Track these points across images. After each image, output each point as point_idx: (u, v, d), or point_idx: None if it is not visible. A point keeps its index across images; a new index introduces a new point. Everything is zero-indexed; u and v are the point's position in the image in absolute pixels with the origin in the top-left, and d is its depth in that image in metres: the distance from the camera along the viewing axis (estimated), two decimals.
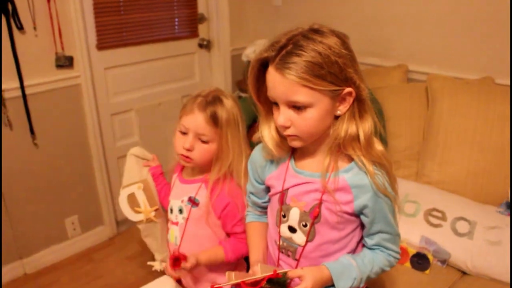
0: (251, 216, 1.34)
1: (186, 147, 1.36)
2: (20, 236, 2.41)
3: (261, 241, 1.27)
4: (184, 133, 1.37)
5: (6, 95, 2.17)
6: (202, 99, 1.37)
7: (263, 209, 1.30)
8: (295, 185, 1.11)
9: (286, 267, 1.19)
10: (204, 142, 1.36)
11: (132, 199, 1.64)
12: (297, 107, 0.98)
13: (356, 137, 1.02)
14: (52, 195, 2.48)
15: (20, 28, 2.14)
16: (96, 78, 2.51)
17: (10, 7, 2.10)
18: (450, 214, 1.71)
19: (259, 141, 1.19)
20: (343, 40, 0.99)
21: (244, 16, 3.02)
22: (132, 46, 2.63)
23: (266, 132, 1.11)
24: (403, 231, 1.21)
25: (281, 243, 1.19)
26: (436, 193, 1.84)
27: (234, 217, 1.40)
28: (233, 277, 1.07)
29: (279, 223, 1.17)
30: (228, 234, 1.47)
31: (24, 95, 2.22)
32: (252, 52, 2.74)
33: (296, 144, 1.05)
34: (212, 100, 1.36)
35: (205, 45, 2.93)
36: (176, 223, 1.48)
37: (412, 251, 1.66)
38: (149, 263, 1.76)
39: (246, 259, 1.47)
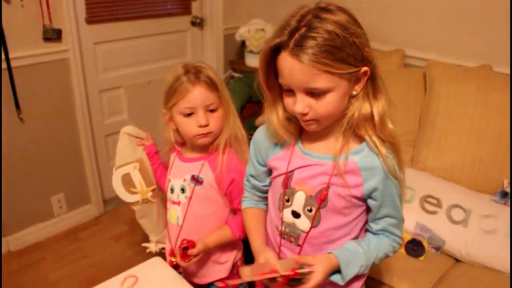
0: (248, 202, 1.29)
1: (203, 124, 1.32)
2: (5, 213, 2.35)
3: (261, 227, 1.24)
4: (189, 114, 1.33)
5: None
6: (187, 75, 1.32)
7: (262, 194, 1.26)
8: (301, 167, 1.08)
9: (288, 253, 1.16)
10: (213, 111, 1.34)
11: (127, 179, 1.59)
12: (316, 93, 0.94)
13: (370, 117, 0.99)
14: (38, 172, 2.42)
15: None
16: (85, 53, 2.43)
17: None
18: (445, 201, 1.71)
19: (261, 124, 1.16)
20: (353, 16, 0.95)
21: None
22: (123, 21, 2.55)
23: (274, 118, 1.07)
24: None
25: (283, 228, 1.15)
26: (432, 180, 1.83)
27: (241, 192, 1.36)
28: (249, 273, 1.02)
29: (281, 208, 1.14)
30: (234, 211, 1.45)
31: (9, 68, 2.14)
32: (246, 31, 2.68)
33: (314, 128, 1.02)
34: (197, 70, 1.33)
35: (198, 23, 2.86)
36: (178, 203, 1.44)
37: (407, 237, 1.66)
38: (144, 244, 1.72)
39: (244, 241, 1.45)
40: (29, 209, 2.44)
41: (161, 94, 1.40)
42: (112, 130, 2.66)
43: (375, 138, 1.00)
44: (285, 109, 1.05)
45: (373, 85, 0.98)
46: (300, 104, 0.96)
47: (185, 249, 1.36)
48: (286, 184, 1.11)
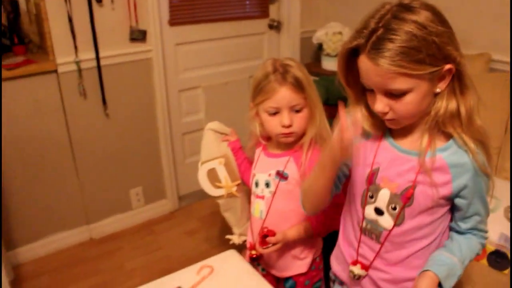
0: None
1: (286, 124, 1.34)
2: (88, 203, 2.51)
3: None
4: (274, 113, 1.35)
5: (83, 65, 2.25)
6: (275, 74, 1.34)
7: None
8: (387, 161, 1.06)
9: (367, 250, 1.14)
10: (298, 111, 1.35)
11: (212, 174, 1.64)
12: (395, 94, 0.93)
13: (457, 114, 0.96)
14: (119, 165, 2.56)
15: (99, 1, 2.20)
16: (167, 53, 2.54)
17: None
18: None
19: None
20: (438, 13, 0.92)
21: None
22: (203, 24, 2.65)
23: (359, 114, 1.06)
24: None
25: (364, 225, 1.13)
26: None
27: None
28: None
29: (364, 204, 1.12)
30: None
31: (99, 66, 2.29)
32: (323, 34, 2.67)
33: (395, 126, 1.01)
34: (284, 70, 1.33)
35: (275, 26, 2.89)
36: (262, 197, 1.46)
37: (490, 248, 1.56)
38: (227, 236, 1.76)
39: (326, 237, 1.45)
40: (109, 200, 2.59)
41: (249, 88, 1.43)
42: (189, 128, 2.76)
43: (463, 135, 0.97)
44: (368, 105, 1.03)
45: (459, 82, 0.95)
46: (379, 104, 0.96)
47: (265, 237, 1.39)
48: (370, 180, 1.09)
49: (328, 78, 2.53)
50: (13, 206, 2.28)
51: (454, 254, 1.04)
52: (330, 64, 2.70)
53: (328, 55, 2.70)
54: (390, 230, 1.08)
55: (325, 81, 2.48)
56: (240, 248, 1.59)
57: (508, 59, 2.16)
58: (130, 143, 2.56)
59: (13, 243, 2.34)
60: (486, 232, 1.10)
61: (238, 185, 1.64)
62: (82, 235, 2.55)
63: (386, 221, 1.08)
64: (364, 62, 0.92)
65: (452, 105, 0.96)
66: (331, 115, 2.77)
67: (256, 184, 1.49)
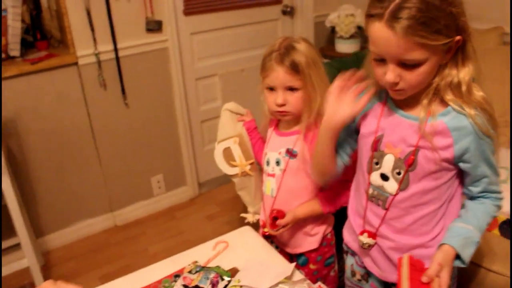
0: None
1: (279, 103, 1.37)
2: (111, 191, 2.60)
3: None
4: (272, 89, 1.39)
5: (102, 57, 2.33)
6: (276, 53, 1.37)
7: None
8: (389, 127, 1.08)
9: (373, 217, 1.17)
10: (293, 91, 1.37)
11: (227, 153, 1.68)
12: (408, 64, 0.93)
13: (456, 84, 0.98)
14: (140, 154, 2.64)
15: None
16: (183, 42, 2.60)
17: None
18: None
19: None
20: None
21: None
22: (218, 12, 2.69)
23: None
24: None
25: (371, 191, 1.15)
26: None
27: None
28: None
29: (370, 170, 1.14)
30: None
31: (117, 57, 2.36)
32: (336, 17, 2.68)
33: (401, 96, 1.02)
34: (285, 50, 1.36)
35: (289, 12, 2.91)
36: (273, 175, 1.50)
37: (502, 218, 1.57)
38: (242, 214, 1.80)
39: (337, 213, 1.47)
40: (132, 187, 2.67)
41: None
42: (207, 116, 2.81)
43: (460, 102, 0.99)
44: None
45: (463, 52, 0.97)
46: (391, 74, 0.95)
47: (275, 219, 1.43)
48: (375, 147, 1.11)
49: (341, 59, 2.54)
50: (40, 195, 2.38)
51: (469, 223, 1.06)
52: (343, 47, 2.71)
53: (341, 37, 2.72)
54: (395, 195, 1.10)
55: (338, 63, 2.50)
56: (256, 227, 1.63)
57: None
58: (150, 131, 2.63)
59: (42, 231, 2.45)
60: (499, 192, 1.10)
61: (252, 164, 1.68)
62: (107, 222, 2.64)
63: (391, 186, 1.10)
64: (381, 30, 0.91)
65: (453, 75, 0.98)
66: None
67: (268, 163, 1.52)
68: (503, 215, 1.58)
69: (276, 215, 1.43)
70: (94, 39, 2.28)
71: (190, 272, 1.21)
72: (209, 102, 2.83)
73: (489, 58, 2.04)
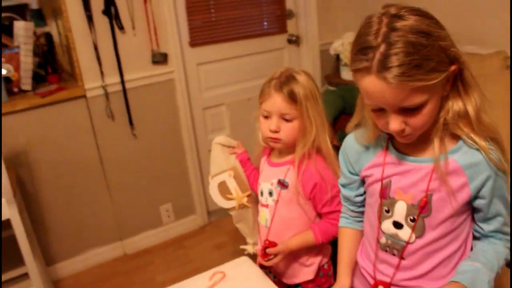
0: (345, 220, 1.26)
1: (272, 129, 1.39)
2: (121, 220, 2.64)
3: (352, 253, 1.23)
4: (267, 117, 1.41)
5: (109, 89, 2.41)
6: (276, 81, 1.40)
7: (357, 209, 1.22)
8: (399, 174, 1.03)
9: (385, 267, 1.11)
10: (288, 121, 1.38)
11: (223, 187, 1.68)
12: (411, 109, 0.88)
13: (464, 114, 0.93)
14: (148, 183, 2.68)
15: (121, 28, 2.36)
16: (189, 73, 2.66)
17: (113, 10, 2.32)
18: None
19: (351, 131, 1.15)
20: (431, 16, 0.89)
21: (332, 9, 2.99)
22: (223, 43, 2.75)
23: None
24: None
25: (384, 241, 1.09)
26: None
27: (323, 197, 1.39)
28: None
29: (379, 219, 1.09)
30: (319, 215, 1.47)
31: (124, 89, 2.44)
32: (340, 45, 2.70)
33: (410, 140, 0.96)
34: (286, 79, 1.38)
35: (294, 41, 2.96)
36: (267, 206, 1.51)
37: None
38: (242, 246, 1.80)
39: (333, 242, 1.45)
40: (141, 217, 2.71)
41: None
42: None
43: (472, 135, 0.94)
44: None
45: (462, 81, 0.93)
46: (395, 123, 0.90)
47: (266, 249, 1.43)
48: (384, 194, 1.06)
49: (346, 87, 2.55)
50: (51, 224, 2.44)
51: (477, 260, 0.98)
52: (348, 74, 2.72)
53: (345, 65, 2.73)
54: (408, 243, 1.04)
55: (342, 91, 2.51)
56: (256, 257, 1.62)
57: None
58: (158, 161, 2.68)
59: (53, 259, 2.50)
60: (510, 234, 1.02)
61: (248, 195, 1.68)
62: (117, 251, 2.67)
63: (406, 234, 1.04)
64: (372, 83, 0.86)
65: (459, 105, 0.93)
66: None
67: (261, 193, 1.53)
68: None
69: (268, 245, 1.43)
70: (102, 72, 2.37)
71: None
72: (217, 131, 2.86)
73: (492, 83, 2.01)
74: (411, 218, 1.02)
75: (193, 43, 2.64)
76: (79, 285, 2.49)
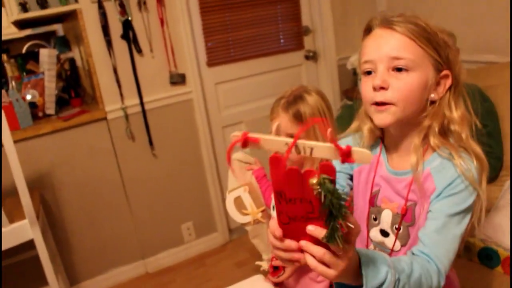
0: None
1: None
2: (142, 239, 2.67)
3: None
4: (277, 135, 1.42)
5: (129, 111, 2.46)
6: (284, 100, 1.41)
7: None
8: (385, 182, 1.05)
9: None
10: None
11: (238, 202, 1.71)
12: (398, 69, 0.93)
13: (447, 127, 0.98)
14: (169, 202, 2.71)
15: (139, 51, 2.42)
16: (207, 93, 2.70)
17: (131, 34, 2.39)
18: None
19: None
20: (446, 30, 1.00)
21: (349, 24, 2.98)
22: (241, 62, 2.78)
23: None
24: None
25: (372, 248, 1.11)
26: None
27: None
28: None
29: (368, 227, 1.11)
30: None
31: (143, 111, 2.49)
32: (356, 59, 2.68)
33: (387, 118, 0.95)
34: (293, 99, 1.40)
35: (312, 57, 2.96)
36: None
37: (479, 245, 1.45)
38: (257, 263, 1.81)
39: None
40: (162, 235, 2.73)
41: None
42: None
43: (448, 146, 0.96)
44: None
45: (454, 95, 0.97)
46: (379, 78, 0.93)
47: (275, 268, 1.42)
48: (372, 202, 1.09)
49: (361, 101, 2.53)
50: (74, 244, 2.49)
51: (388, 257, 0.83)
52: None
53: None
54: (397, 251, 1.05)
55: (358, 105, 2.49)
56: None
57: None
58: (178, 180, 2.71)
59: (77, 278, 2.54)
60: (444, 272, 0.89)
61: (263, 211, 1.69)
62: (139, 269, 2.70)
63: (392, 242, 1.05)
64: (376, 33, 0.97)
65: (446, 116, 0.97)
66: None
67: (273, 208, 1.53)
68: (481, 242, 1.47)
69: (277, 264, 1.42)
70: (121, 94, 2.43)
71: None
72: (237, 149, 2.84)
73: (505, 93, 1.96)
74: (396, 226, 1.04)
75: (211, 63, 2.68)
76: None
